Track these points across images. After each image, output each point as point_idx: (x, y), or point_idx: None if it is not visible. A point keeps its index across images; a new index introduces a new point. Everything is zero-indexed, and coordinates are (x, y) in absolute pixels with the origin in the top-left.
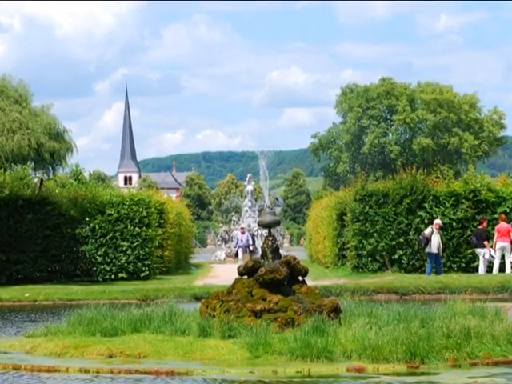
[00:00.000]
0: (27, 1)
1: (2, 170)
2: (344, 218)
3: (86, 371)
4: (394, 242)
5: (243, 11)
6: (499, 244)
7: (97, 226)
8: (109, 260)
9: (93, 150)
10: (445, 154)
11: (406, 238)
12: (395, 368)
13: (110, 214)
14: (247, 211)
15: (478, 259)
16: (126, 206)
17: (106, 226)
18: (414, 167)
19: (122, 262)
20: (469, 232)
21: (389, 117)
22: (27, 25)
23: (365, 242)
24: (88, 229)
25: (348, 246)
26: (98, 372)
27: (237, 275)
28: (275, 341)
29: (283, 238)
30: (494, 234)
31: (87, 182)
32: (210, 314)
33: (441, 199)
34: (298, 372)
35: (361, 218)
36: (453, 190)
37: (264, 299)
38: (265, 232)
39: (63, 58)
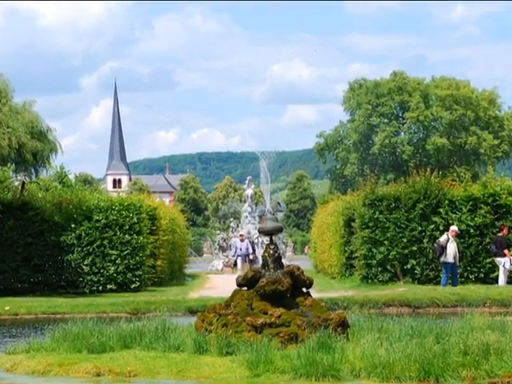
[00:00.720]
0: None
1: None
2: (352, 224)
3: None
4: (406, 251)
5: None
6: None
7: (83, 234)
8: (96, 270)
9: (79, 151)
10: (461, 155)
11: (420, 247)
12: None
13: (97, 220)
14: (247, 217)
15: (498, 269)
16: (115, 212)
17: (94, 233)
18: (429, 169)
19: (111, 272)
20: (488, 239)
21: (401, 114)
22: (8, 14)
23: (375, 251)
24: (74, 236)
25: (356, 254)
26: None
27: (235, 286)
28: (277, 358)
29: (286, 246)
30: None
31: (73, 185)
32: (206, 329)
33: (457, 204)
34: None
35: (370, 224)
36: (470, 193)
37: (265, 313)
38: (266, 239)
39: (47, 51)
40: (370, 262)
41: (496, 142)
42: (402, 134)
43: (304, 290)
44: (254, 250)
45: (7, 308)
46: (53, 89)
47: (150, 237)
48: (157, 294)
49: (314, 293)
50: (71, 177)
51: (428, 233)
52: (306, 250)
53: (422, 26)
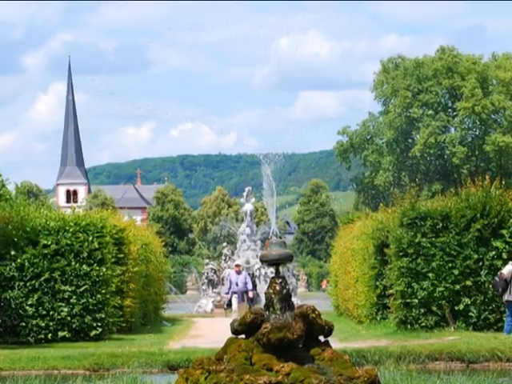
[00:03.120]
0: None
1: None
2: (386, 251)
3: None
4: (457, 287)
5: None
6: None
7: (27, 263)
8: (44, 312)
9: (20, 153)
10: None
11: (476, 281)
12: None
13: (45, 246)
14: (245, 241)
15: None
16: (70, 235)
17: (40, 262)
18: (488, 177)
19: (64, 314)
20: None
21: (450, 104)
22: None
23: (416, 287)
24: (14, 267)
25: (391, 291)
26: None
27: (230, 334)
28: None
29: (297, 279)
30: None
31: (12, 198)
32: None
33: None
34: None
35: (410, 251)
36: None
37: (269, 369)
38: (271, 271)
39: None
40: (409, 301)
41: None
42: (453, 130)
43: (321, 338)
44: (254, 286)
45: None
46: None
47: (116, 268)
48: (125, 343)
49: (335, 342)
50: (10, 187)
51: (487, 262)
52: (323, 286)
53: None
